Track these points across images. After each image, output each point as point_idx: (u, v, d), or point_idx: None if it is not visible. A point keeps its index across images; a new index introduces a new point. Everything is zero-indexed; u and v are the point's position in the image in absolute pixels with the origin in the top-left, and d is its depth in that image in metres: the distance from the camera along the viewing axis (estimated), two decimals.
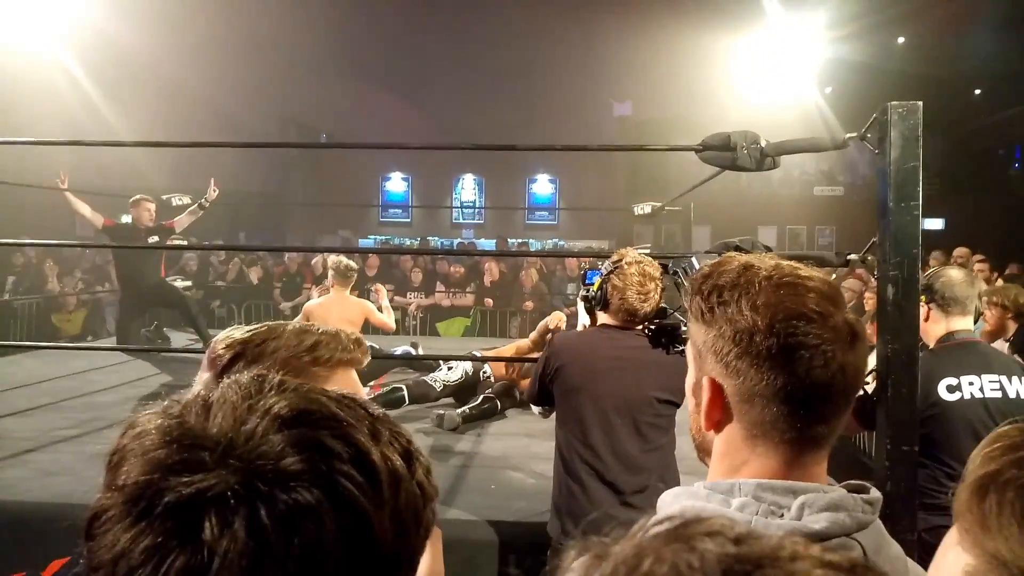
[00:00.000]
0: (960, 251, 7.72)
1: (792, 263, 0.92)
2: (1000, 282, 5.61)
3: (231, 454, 0.45)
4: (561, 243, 16.94)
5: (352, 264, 5.82)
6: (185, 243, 7.33)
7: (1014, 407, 2.58)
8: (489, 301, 9.42)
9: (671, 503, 0.88)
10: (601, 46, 15.30)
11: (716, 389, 0.89)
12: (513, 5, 15.98)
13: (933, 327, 2.72)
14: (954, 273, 2.78)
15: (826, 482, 0.89)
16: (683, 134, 2.60)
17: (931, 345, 2.74)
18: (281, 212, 16.12)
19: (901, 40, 14.26)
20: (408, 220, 18.20)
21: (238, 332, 1.17)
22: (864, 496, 0.86)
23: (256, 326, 1.18)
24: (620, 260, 2.58)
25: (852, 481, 0.90)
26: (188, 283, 7.68)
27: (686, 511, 0.83)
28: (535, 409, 2.80)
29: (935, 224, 15.17)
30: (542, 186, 18.04)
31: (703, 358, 0.91)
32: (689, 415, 0.96)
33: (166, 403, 0.51)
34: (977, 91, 15.41)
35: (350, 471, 0.47)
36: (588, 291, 2.76)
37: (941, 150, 15.76)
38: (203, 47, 13.04)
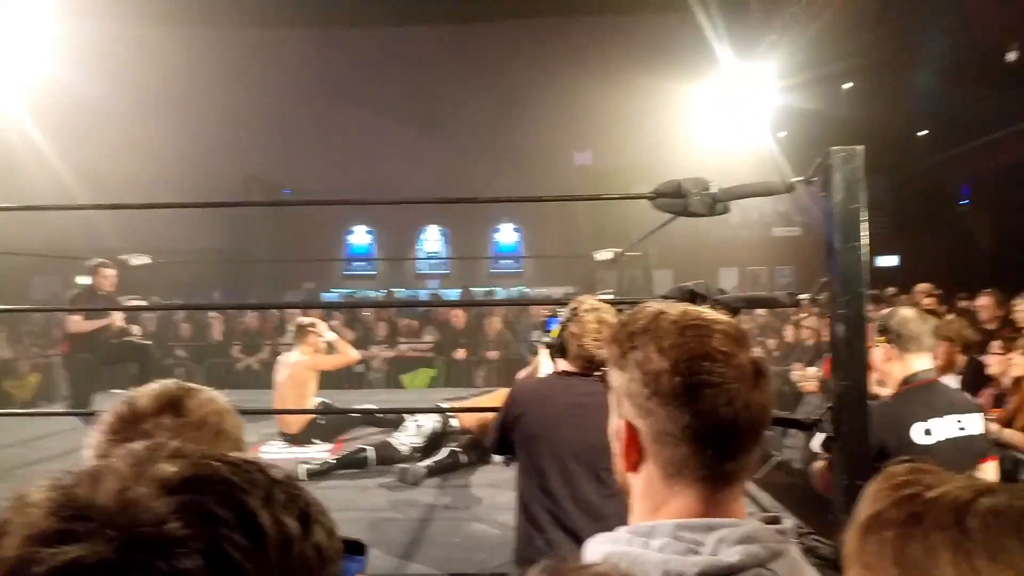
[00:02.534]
0: (922, 287, 7.84)
1: (699, 308, 0.98)
2: (950, 316, 5.75)
3: (110, 523, 0.44)
4: (526, 290, 17.01)
5: (303, 320, 5.79)
6: (145, 303, 7.21)
7: (972, 443, 2.64)
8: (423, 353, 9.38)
9: (594, 549, 0.91)
10: (561, 97, 15.59)
11: (631, 431, 0.93)
12: (474, 59, 16.28)
13: (894, 366, 2.72)
14: (906, 311, 2.82)
15: (743, 516, 0.92)
16: (643, 181, 2.68)
17: (891, 385, 2.75)
18: (244, 268, 16.00)
19: (848, 86, 14.76)
20: (373, 272, 18.17)
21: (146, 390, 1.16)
22: (777, 526, 0.90)
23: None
24: (577, 307, 2.63)
25: (767, 513, 0.94)
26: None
27: (609, 557, 0.85)
28: (497, 458, 2.78)
29: (891, 261, 15.55)
30: (506, 235, 18.18)
31: (620, 402, 0.96)
32: (614, 459, 1.00)
33: (58, 474, 0.50)
34: (922, 132, 15.95)
35: (234, 536, 0.45)
36: (548, 338, 2.79)
37: (892, 189, 16.24)
38: (161, 104, 13.05)
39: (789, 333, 8.40)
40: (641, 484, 0.94)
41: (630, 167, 14.32)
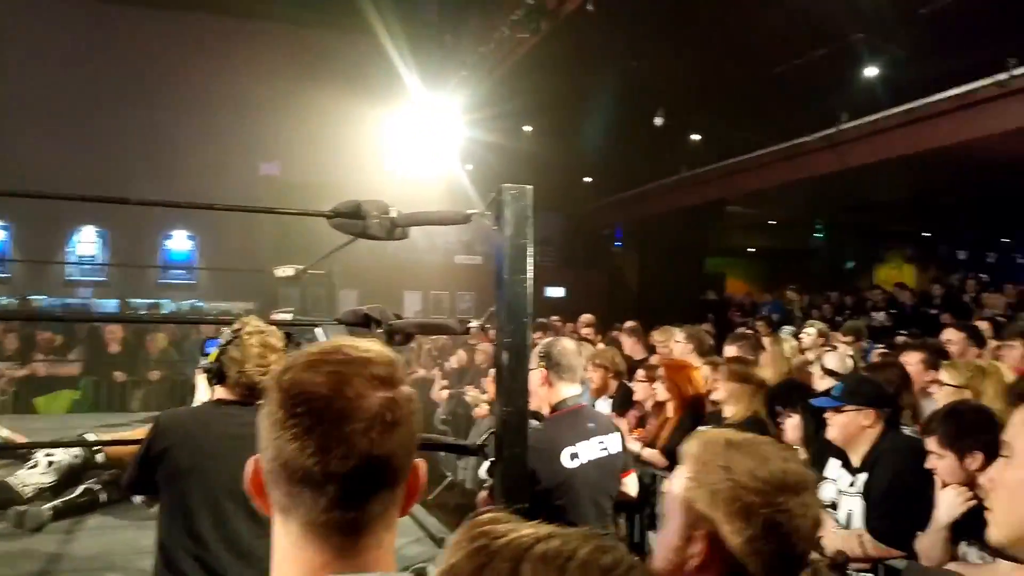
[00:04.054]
0: (584, 318, 8.67)
1: (361, 345, 0.91)
2: (602, 346, 6.39)
3: None
4: (200, 304, 15.74)
5: None
6: None
7: (613, 462, 2.87)
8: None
9: None
10: (249, 104, 14.80)
11: (257, 464, 0.89)
12: (152, 49, 14.83)
13: (548, 392, 2.87)
14: (567, 342, 3.02)
15: (390, 567, 0.87)
16: (333, 199, 2.58)
17: (545, 409, 2.92)
18: None
19: (528, 128, 16.00)
20: (6, 275, 15.49)
21: None
22: None
23: None
24: (240, 329, 2.42)
25: (417, 565, 0.90)
26: None
27: None
28: (136, 498, 2.44)
29: (559, 292, 17.14)
30: (179, 242, 16.66)
31: None
32: None
33: None
34: (587, 179, 17.85)
35: None
36: (206, 362, 2.54)
37: (563, 228, 17.98)
38: None
39: (465, 356, 8.76)
40: (274, 527, 0.90)
41: (319, 183, 14.01)
